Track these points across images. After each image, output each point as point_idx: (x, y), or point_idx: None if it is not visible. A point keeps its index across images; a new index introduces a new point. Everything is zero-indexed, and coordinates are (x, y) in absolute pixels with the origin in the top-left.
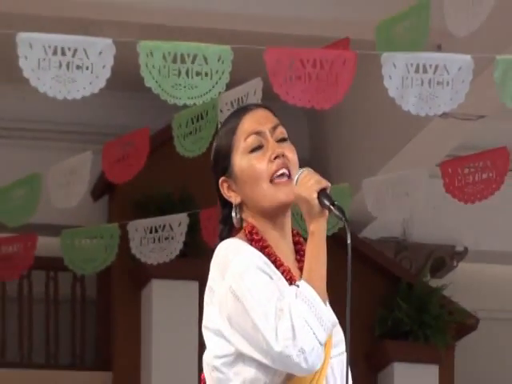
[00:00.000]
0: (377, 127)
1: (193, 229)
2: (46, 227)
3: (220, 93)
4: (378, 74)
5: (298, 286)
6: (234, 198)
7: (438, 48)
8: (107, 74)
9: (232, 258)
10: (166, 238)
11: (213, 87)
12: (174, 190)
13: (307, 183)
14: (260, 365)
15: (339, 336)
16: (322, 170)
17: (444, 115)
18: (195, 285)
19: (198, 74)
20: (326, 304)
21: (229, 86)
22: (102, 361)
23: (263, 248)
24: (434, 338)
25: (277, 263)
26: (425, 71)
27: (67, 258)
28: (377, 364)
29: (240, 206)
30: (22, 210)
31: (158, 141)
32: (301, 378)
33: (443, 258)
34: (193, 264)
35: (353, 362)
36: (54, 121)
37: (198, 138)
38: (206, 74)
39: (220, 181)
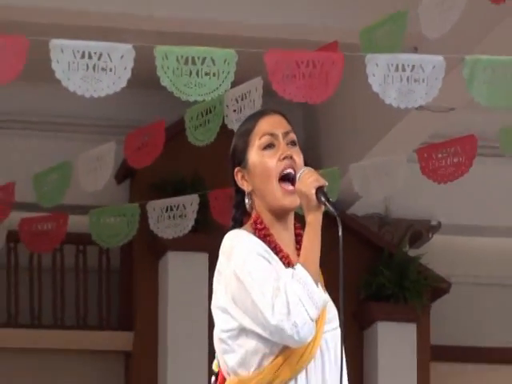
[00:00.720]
0: (362, 119)
1: (203, 207)
2: (76, 207)
3: (226, 90)
4: (363, 72)
5: (294, 269)
6: (246, 187)
7: (415, 49)
8: (128, 74)
9: (236, 246)
10: (180, 216)
11: (220, 85)
12: (187, 174)
13: (307, 180)
14: (260, 337)
15: (333, 313)
16: (314, 155)
17: (420, 108)
18: (205, 256)
19: (206, 74)
20: (317, 285)
21: (233, 84)
22: (124, 322)
23: (265, 236)
24: (413, 300)
25: (276, 249)
26: (403, 70)
27: (94, 233)
28: (363, 323)
29: (250, 194)
30: (56, 192)
31: (172, 132)
32: (295, 348)
33: (420, 231)
34: (203, 238)
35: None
36: (83, 116)
37: (206, 129)
38: (214, 74)
39: (235, 170)
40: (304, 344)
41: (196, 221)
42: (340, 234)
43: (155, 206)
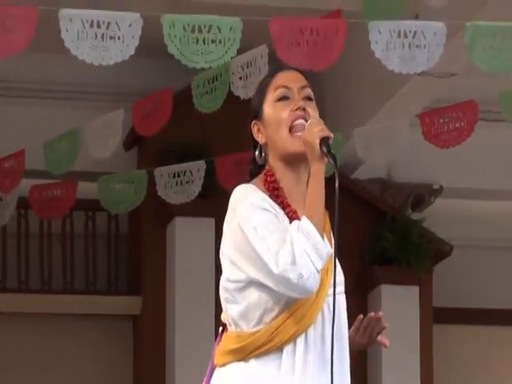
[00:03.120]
0: (365, 85)
1: (209, 174)
2: (85, 174)
3: (232, 57)
4: (366, 39)
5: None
6: (261, 139)
7: (416, 17)
8: (136, 43)
9: (241, 201)
10: (187, 182)
11: (226, 53)
12: (194, 141)
13: (313, 129)
14: (264, 290)
15: (341, 277)
16: None
17: (422, 73)
18: (211, 221)
19: (213, 41)
20: (322, 237)
21: (239, 52)
22: (132, 287)
23: (274, 189)
24: (415, 263)
25: (283, 204)
26: (405, 36)
27: (103, 200)
28: (366, 286)
29: (265, 146)
30: (65, 159)
31: (179, 99)
32: (298, 306)
33: (422, 195)
34: (209, 204)
35: (346, 284)
36: (92, 84)
37: (213, 96)
38: (220, 42)
39: (252, 123)
40: (310, 294)
41: (203, 187)
42: (336, 185)
43: (163, 173)
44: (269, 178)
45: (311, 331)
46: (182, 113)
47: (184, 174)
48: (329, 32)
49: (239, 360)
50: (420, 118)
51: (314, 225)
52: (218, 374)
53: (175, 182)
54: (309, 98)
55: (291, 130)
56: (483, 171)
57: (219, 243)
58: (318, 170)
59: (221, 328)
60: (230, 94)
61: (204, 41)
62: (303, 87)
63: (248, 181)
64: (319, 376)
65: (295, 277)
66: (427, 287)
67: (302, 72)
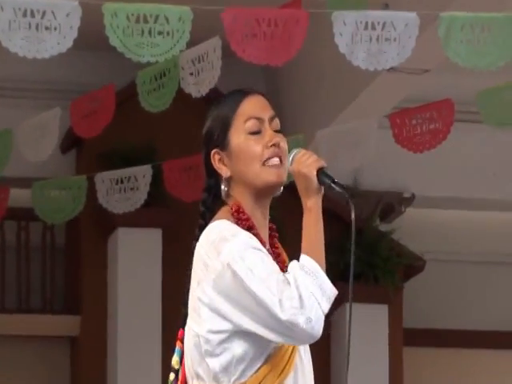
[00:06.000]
0: (329, 82)
1: (156, 180)
2: (18, 180)
3: (181, 51)
4: (329, 31)
5: (300, 260)
6: (225, 172)
7: (386, 6)
8: (74, 34)
9: (229, 239)
10: (131, 189)
11: (174, 45)
12: (139, 144)
13: (307, 161)
14: (253, 341)
15: None
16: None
17: (391, 69)
18: (158, 232)
19: (159, 33)
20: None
21: (189, 45)
22: (70, 305)
23: (249, 228)
24: (384, 279)
25: (262, 242)
26: (373, 28)
27: (38, 208)
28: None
29: (228, 180)
30: None
31: (123, 97)
32: (280, 358)
33: (392, 204)
34: (156, 213)
35: None
36: (25, 79)
37: (161, 94)
38: (168, 33)
39: (212, 152)
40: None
41: (149, 194)
42: (352, 217)
43: (104, 178)
44: (242, 216)
45: (288, 381)
46: (126, 112)
47: (128, 180)
48: (288, 23)
49: None
50: (390, 118)
51: (319, 264)
52: None
53: (118, 188)
54: (278, 130)
55: (264, 164)
56: (459, 178)
57: (166, 256)
58: (316, 204)
59: (172, 375)
60: (180, 91)
61: (150, 32)
62: (273, 118)
63: (202, 211)
64: None
65: (304, 321)
66: (397, 306)
67: (265, 94)
